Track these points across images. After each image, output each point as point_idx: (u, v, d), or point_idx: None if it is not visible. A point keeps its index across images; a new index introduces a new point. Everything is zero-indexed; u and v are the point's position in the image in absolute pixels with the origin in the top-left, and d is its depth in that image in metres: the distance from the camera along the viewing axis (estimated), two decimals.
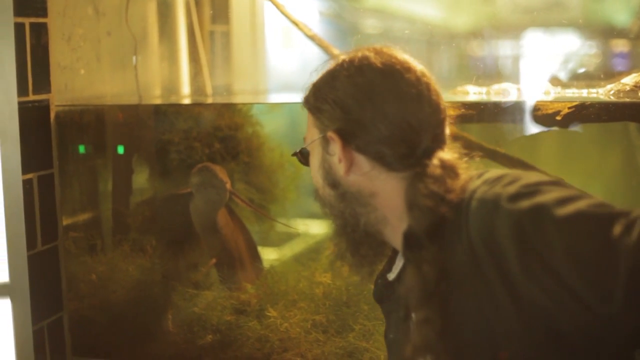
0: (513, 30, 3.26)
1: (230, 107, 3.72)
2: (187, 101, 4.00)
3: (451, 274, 1.61)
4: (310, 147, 1.86)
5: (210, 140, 3.62)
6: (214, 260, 3.64)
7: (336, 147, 1.75)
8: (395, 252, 1.87)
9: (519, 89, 3.24)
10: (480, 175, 1.66)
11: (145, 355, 3.41)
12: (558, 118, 3.04)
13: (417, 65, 1.77)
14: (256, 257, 3.72)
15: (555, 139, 3.24)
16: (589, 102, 3.01)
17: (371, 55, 1.76)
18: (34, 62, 3.11)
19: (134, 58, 3.64)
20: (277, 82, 4.17)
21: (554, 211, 1.47)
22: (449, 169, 1.68)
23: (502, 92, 3.21)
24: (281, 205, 3.85)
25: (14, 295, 3.04)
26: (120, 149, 3.74)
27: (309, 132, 1.85)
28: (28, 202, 3.09)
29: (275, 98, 4.14)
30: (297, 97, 3.57)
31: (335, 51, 3.33)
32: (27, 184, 3.08)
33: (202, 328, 3.38)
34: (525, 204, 1.49)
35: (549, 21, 3.27)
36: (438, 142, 1.74)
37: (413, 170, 1.70)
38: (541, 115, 3.07)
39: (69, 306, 3.36)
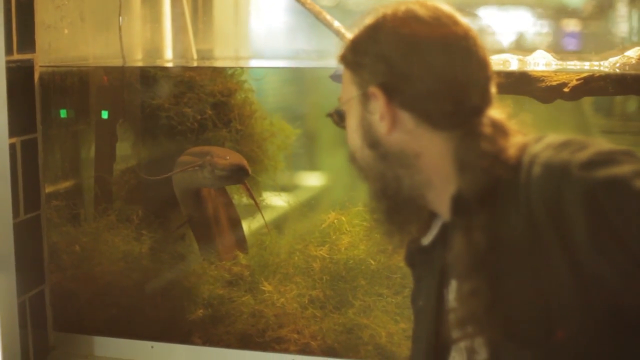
0: (468, 6, 3.20)
1: (221, 72, 3.59)
2: (170, 64, 3.87)
3: (503, 242, 1.51)
4: (347, 106, 1.73)
5: (202, 106, 3.49)
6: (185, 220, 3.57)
7: (378, 103, 1.63)
8: (431, 216, 1.75)
9: (520, 60, 3.16)
10: (539, 140, 1.55)
11: (131, 331, 3.31)
12: (566, 90, 2.97)
13: (464, 19, 1.65)
14: (238, 231, 3.62)
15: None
16: (597, 74, 2.94)
17: (416, 7, 1.64)
18: (19, 19, 2.95)
19: (120, 18, 3.48)
20: (257, 49, 4.07)
21: (633, 183, 1.37)
22: (499, 128, 1.58)
23: (503, 63, 3.13)
24: (271, 175, 3.73)
25: (0, 266, 2.88)
26: (104, 114, 3.59)
27: (346, 91, 1.72)
28: (11, 168, 2.94)
29: (263, 64, 4.04)
30: (277, 63, 3.48)
31: (327, 16, 3.22)
32: (10, 149, 2.94)
33: (192, 302, 3.29)
34: (600, 173, 1.40)
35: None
36: (486, 100, 1.62)
37: (461, 130, 1.59)
38: (545, 87, 3.00)
39: (50, 279, 3.24)
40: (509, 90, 3.00)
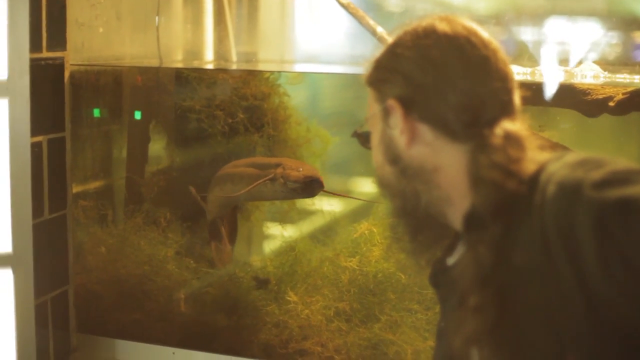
0: (535, 15, 3.17)
1: (256, 75, 3.54)
2: (210, 67, 3.81)
3: (514, 261, 1.48)
4: (371, 124, 1.75)
5: (234, 110, 3.43)
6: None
7: (397, 116, 1.64)
8: (457, 236, 1.75)
9: (566, 72, 3.05)
10: (559, 158, 1.52)
11: (154, 336, 3.27)
12: (611, 104, 2.86)
13: (484, 33, 1.67)
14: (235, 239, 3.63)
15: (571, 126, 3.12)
16: None
17: (436, 22, 1.67)
18: (50, 17, 2.92)
19: (156, 18, 3.45)
20: (304, 53, 4.00)
21: None
22: (512, 140, 1.56)
23: (550, 74, 3.03)
24: None
25: (17, 266, 2.85)
26: (138, 115, 3.56)
27: (370, 110, 1.76)
28: (36, 166, 2.91)
29: (300, 68, 3.95)
30: (326, 68, 3.42)
31: (371, 21, 3.16)
32: (36, 147, 2.90)
33: (216, 310, 3.24)
34: (611, 193, 1.35)
35: (569, 9, 3.18)
36: (506, 112, 1.62)
37: (475, 142, 1.59)
38: (591, 100, 2.89)
39: (75, 280, 3.19)
40: (550, 103, 2.91)
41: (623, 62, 3.09)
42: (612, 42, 3.14)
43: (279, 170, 3.18)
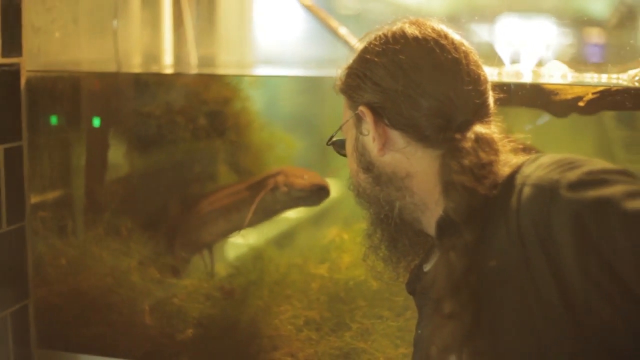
0: (490, 15, 3.15)
1: (218, 79, 3.49)
2: (169, 71, 3.74)
3: (490, 266, 1.48)
4: (345, 131, 1.77)
5: (195, 115, 3.36)
6: None
7: (368, 123, 1.66)
8: (434, 243, 1.75)
9: (535, 72, 3.02)
10: (534, 160, 1.54)
11: (119, 349, 3.19)
12: (581, 104, 2.84)
13: (455, 35, 1.68)
14: None
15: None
16: (614, 88, 2.82)
17: (405, 26, 1.69)
18: (4, 21, 2.85)
19: (113, 22, 3.37)
20: (264, 55, 3.95)
21: (622, 206, 1.34)
22: (483, 143, 1.56)
23: (516, 75, 2.99)
24: None
25: None
26: (96, 121, 3.48)
27: (344, 118, 1.77)
28: None
29: (262, 71, 3.88)
30: (288, 71, 3.38)
31: (334, 23, 3.13)
32: None
33: (182, 321, 3.17)
34: (588, 194, 1.37)
35: (524, 7, 3.21)
36: (479, 115, 1.63)
37: (446, 146, 1.60)
38: (559, 100, 2.86)
39: (35, 293, 3.13)
40: (520, 103, 2.88)
41: (581, 61, 3.07)
42: (567, 42, 3.14)
43: (280, 177, 3.10)
